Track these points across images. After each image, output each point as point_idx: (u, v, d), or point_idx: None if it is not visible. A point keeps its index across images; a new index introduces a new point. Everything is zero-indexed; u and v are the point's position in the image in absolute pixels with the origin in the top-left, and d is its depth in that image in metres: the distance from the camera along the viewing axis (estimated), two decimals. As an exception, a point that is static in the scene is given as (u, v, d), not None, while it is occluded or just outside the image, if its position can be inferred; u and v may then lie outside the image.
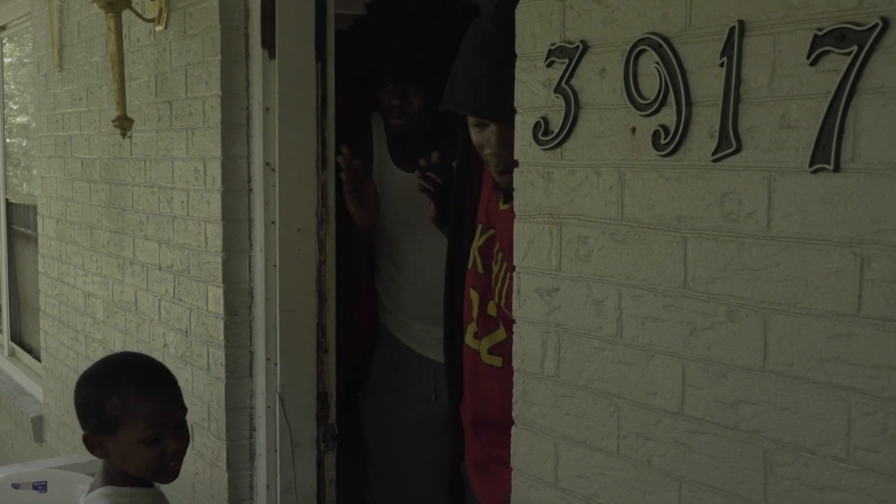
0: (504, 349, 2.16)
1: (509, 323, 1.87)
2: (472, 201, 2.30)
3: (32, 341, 5.13)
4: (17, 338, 5.52)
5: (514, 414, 1.77)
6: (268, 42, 2.69)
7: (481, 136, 2.06)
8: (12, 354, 5.52)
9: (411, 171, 2.84)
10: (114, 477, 2.08)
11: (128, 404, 1.99)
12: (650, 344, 1.49)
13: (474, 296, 2.24)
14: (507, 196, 2.12)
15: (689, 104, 1.40)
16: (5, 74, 5.58)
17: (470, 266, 2.26)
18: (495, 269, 2.16)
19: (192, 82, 2.85)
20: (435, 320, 2.58)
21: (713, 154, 1.37)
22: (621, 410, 1.55)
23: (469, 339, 2.29)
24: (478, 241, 2.23)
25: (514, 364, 1.75)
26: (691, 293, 1.42)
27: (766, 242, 1.31)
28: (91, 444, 2.04)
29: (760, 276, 1.32)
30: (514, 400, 1.76)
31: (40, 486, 3.42)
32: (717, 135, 1.36)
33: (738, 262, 1.35)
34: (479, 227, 2.23)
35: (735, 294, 1.36)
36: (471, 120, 2.09)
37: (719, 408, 1.39)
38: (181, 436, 2.07)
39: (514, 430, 1.77)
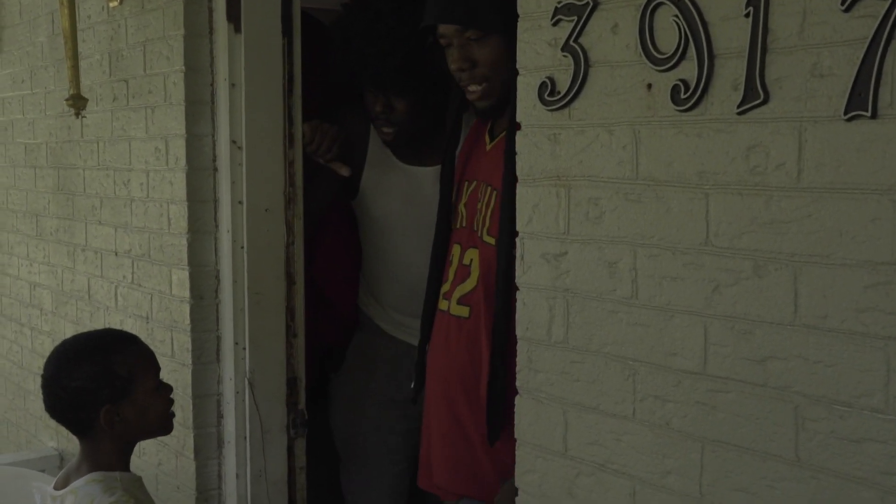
0: (471, 299, 2.18)
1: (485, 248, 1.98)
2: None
3: (-33, 338, 4.94)
4: (-50, 335, 5.31)
5: (518, 383, 1.73)
6: (233, 16, 2.60)
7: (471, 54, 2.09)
8: (-55, 353, 5.31)
9: (414, 165, 2.82)
10: (102, 463, 2.04)
11: (131, 357, 2.02)
12: (669, 304, 1.46)
13: (456, 250, 2.23)
14: (492, 134, 2.22)
15: (711, 57, 1.38)
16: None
17: (457, 226, 2.25)
18: (481, 203, 2.15)
19: (152, 59, 2.75)
20: (415, 314, 2.54)
21: (738, 107, 1.35)
22: (637, 374, 1.52)
23: (442, 304, 2.29)
24: (463, 200, 2.21)
25: (518, 332, 1.72)
26: (714, 250, 1.40)
27: (797, 194, 1.29)
28: (110, 416, 1.99)
29: (790, 229, 1.30)
30: (518, 369, 1.72)
31: (-12, 484, 3.28)
32: (742, 87, 1.34)
33: (766, 215, 1.33)
34: (465, 185, 2.21)
35: (762, 248, 1.34)
36: (460, 39, 2.11)
37: (746, 365, 1.37)
38: (168, 385, 2.13)
39: (518, 399, 1.73)
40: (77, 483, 2.04)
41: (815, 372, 1.29)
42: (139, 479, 2.12)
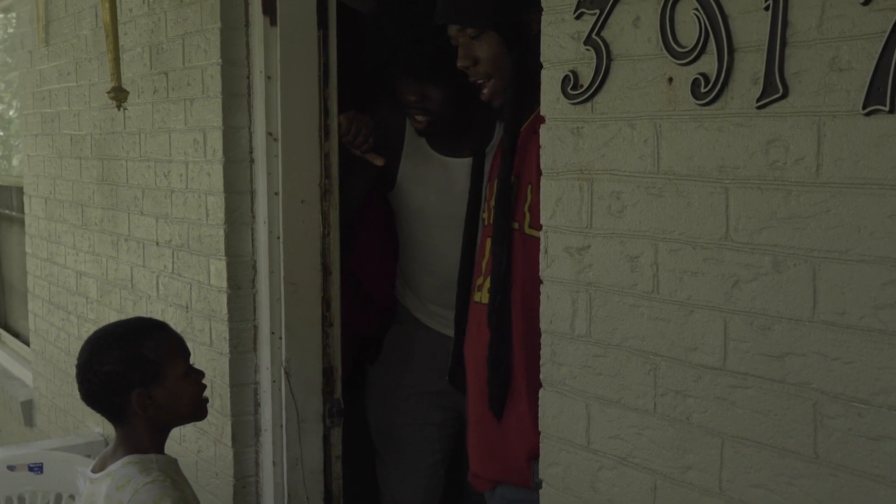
0: None
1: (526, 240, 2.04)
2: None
3: (18, 325, 5.05)
4: (3, 322, 5.44)
5: (541, 376, 1.73)
6: (269, 9, 2.63)
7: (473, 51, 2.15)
8: (-2, 339, 5.45)
9: (449, 156, 2.83)
10: (137, 446, 2.10)
11: (161, 343, 2.08)
12: (689, 299, 1.46)
13: (488, 244, 2.25)
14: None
15: (731, 51, 1.37)
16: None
17: (486, 223, 2.27)
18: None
19: (190, 52, 2.79)
20: (451, 305, 2.55)
21: (758, 101, 1.34)
22: (658, 368, 1.52)
23: (475, 296, 2.31)
24: (494, 196, 2.22)
25: (542, 325, 1.72)
26: (734, 245, 1.39)
27: (816, 189, 1.28)
28: (141, 400, 2.04)
29: (809, 224, 1.29)
30: (541, 362, 1.73)
31: (36, 468, 3.35)
32: (761, 81, 1.33)
33: (785, 210, 1.32)
34: (495, 182, 2.23)
35: (781, 244, 1.33)
36: (463, 38, 2.17)
37: (765, 361, 1.36)
38: (200, 370, 2.18)
39: (541, 392, 1.73)
40: (113, 466, 2.09)
41: (833, 369, 1.28)
42: (175, 460, 2.17)
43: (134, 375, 2.01)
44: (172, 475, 2.09)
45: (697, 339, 1.45)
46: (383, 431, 3.07)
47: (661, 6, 1.45)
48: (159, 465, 2.07)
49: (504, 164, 2.10)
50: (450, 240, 2.80)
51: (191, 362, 2.15)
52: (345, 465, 2.91)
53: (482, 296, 2.29)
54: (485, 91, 2.20)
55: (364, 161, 2.82)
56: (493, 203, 2.28)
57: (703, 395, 1.45)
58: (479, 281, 2.32)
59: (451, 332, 2.66)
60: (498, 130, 2.51)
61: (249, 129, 2.70)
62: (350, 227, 3.06)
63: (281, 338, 2.73)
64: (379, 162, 2.79)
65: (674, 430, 1.50)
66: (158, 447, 2.13)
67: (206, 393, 2.17)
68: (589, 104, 1.58)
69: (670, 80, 1.45)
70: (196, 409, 2.13)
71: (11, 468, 3.34)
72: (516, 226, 2.14)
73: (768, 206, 1.34)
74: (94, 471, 2.15)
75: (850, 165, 1.24)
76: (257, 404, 2.79)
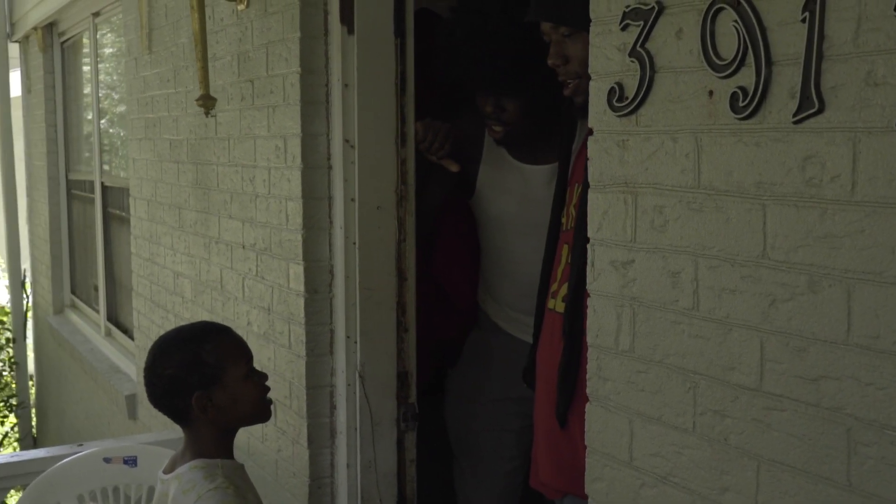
0: None
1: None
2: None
3: (126, 321, 5.25)
4: (113, 318, 5.66)
5: (588, 390, 1.72)
6: (346, 18, 2.67)
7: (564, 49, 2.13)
8: (108, 334, 5.66)
9: (528, 163, 2.83)
10: (203, 450, 2.14)
11: (220, 346, 2.11)
12: (727, 317, 1.42)
13: (565, 251, 2.24)
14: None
15: (768, 64, 1.33)
16: (107, 65, 5.69)
17: (566, 228, 2.26)
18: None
19: (273, 60, 2.85)
20: (531, 312, 2.55)
21: (794, 115, 1.30)
22: (697, 386, 1.49)
23: (549, 303, 2.30)
24: (574, 201, 2.21)
25: (589, 339, 1.71)
26: (771, 263, 1.35)
27: (851, 208, 1.24)
28: (202, 402, 2.08)
29: (844, 244, 1.25)
30: (588, 376, 1.71)
31: (130, 461, 3.47)
32: (798, 95, 1.29)
33: (821, 229, 1.28)
34: (575, 186, 2.21)
35: (817, 263, 1.29)
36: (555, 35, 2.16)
37: (800, 383, 1.32)
38: (262, 372, 2.20)
39: (588, 406, 1.72)
40: (181, 469, 2.15)
41: (866, 394, 1.23)
42: (241, 466, 2.22)
43: (193, 379, 2.06)
44: (237, 481, 2.13)
45: (735, 359, 1.42)
46: (461, 437, 3.09)
47: (703, 18, 1.42)
48: (224, 472, 2.11)
49: (560, 172, 2.09)
50: (529, 247, 2.79)
51: (254, 365, 2.20)
52: (423, 469, 2.94)
53: (556, 303, 2.28)
54: (569, 87, 2.18)
55: (442, 168, 2.84)
56: (571, 207, 2.26)
57: (741, 416, 1.41)
58: (554, 287, 2.31)
59: (530, 339, 2.66)
60: (580, 128, 2.49)
61: (327, 136, 2.75)
62: (431, 234, 3.08)
63: (356, 342, 2.77)
64: (454, 168, 2.81)
65: (712, 451, 1.47)
66: (225, 451, 2.17)
67: (271, 395, 2.21)
68: (633, 116, 1.56)
69: (710, 93, 1.42)
70: (258, 411, 2.17)
71: (107, 461, 3.47)
72: None
73: (804, 225, 1.30)
74: (165, 471, 2.21)
75: (885, 184, 1.19)
76: (333, 407, 2.84)
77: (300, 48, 2.70)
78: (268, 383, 2.21)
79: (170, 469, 2.20)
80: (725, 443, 1.44)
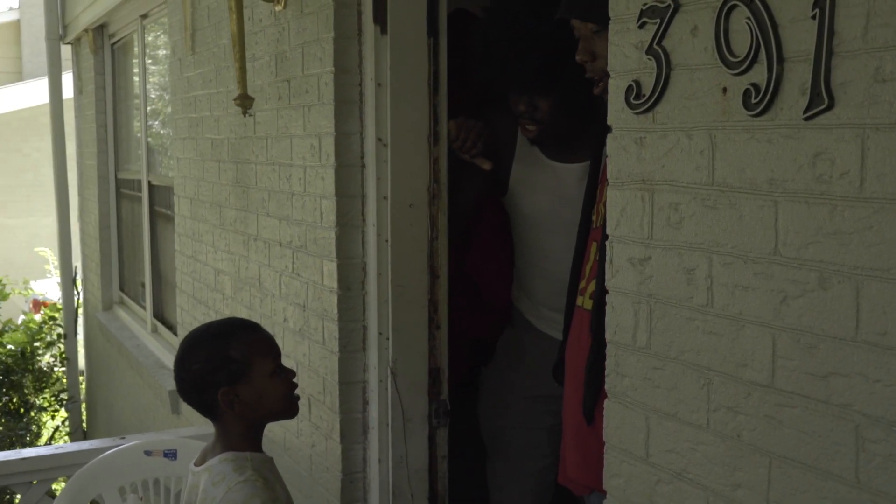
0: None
1: None
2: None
3: (171, 318, 5.33)
4: (159, 314, 5.75)
5: (606, 387, 1.73)
6: (379, 17, 2.70)
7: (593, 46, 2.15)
8: (154, 330, 5.75)
9: (561, 162, 2.84)
10: (233, 443, 2.17)
11: (247, 343, 2.14)
12: (741, 314, 1.43)
13: (593, 248, 2.25)
14: None
15: (780, 60, 1.33)
16: (161, 66, 5.78)
17: (595, 225, 2.27)
18: None
19: (308, 60, 2.89)
20: (562, 309, 2.55)
21: (805, 112, 1.30)
22: (711, 383, 1.49)
23: (578, 300, 2.32)
24: (603, 198, 2.22)
25: (607, 336, 1.72)
26: (782, 260, 1.35)
27: (859, 204, 1.24)
28: (228, 398, 2.12)
29: (853, 241, 1.25)
30: (606, 373, 1.72)
31: (170, 454, 3.54)
32: (808, 91, 1.29)
33: (830, 226, 1.28)
34: (606, 184, 2.22)
35: (827, 260, 1.29)
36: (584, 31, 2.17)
37: (810, 380, 1.32)
38: (290, 369, 2.22)
39: (606, 403, 1.73)
40: (211, 462, 2.19)
41: (874, 391, 1.23)
42: (270, 459, 2.25)
43: (220, 374, 2.10)
44: (266, 474, 2.17)
45: (748, 355, 1.42)
46: (493, 433, 3.10)
47: (717, 15, 1.43)
48: (253, 464, 2.16)
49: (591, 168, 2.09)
50: (562, 244, 2.80)
51: (287, 361, 2.24)
52: (455, 465, 2.96)
53: (584, 300, 2.29)
54: (599, 86, 2.19)
55: (475, 166, 2.86)
56: (601, 205, 2.27)
57: (753, 413, 1.42)
58: (582, 285, 2.32)
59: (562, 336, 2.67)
60: None
61: (361, 134, 2.78)
62: (465, 232, 3.10)
63: (388, 338, 2.80)
64: (487, 166, 2.82)
65: (725, 447, 1.47)
66: (254, 445, 2.21)
67: (306, 390, 2.25)
68: (650, 114, 1.57)
69: (724, 89, 1.43)
70: (285, 407, 2.20)
71: (148, 453, 3.54)
72: None
73: (815, 221, 1.30)
74: (197, 464, 2.26)
75: (893, 181, 1.19)
76: (365, 402, 2.87)
77: (334, 48, 2.73)
78: (303, 379, 2.25)
79: (201, 461, 2.25)
80: (738, 439, 1.44)
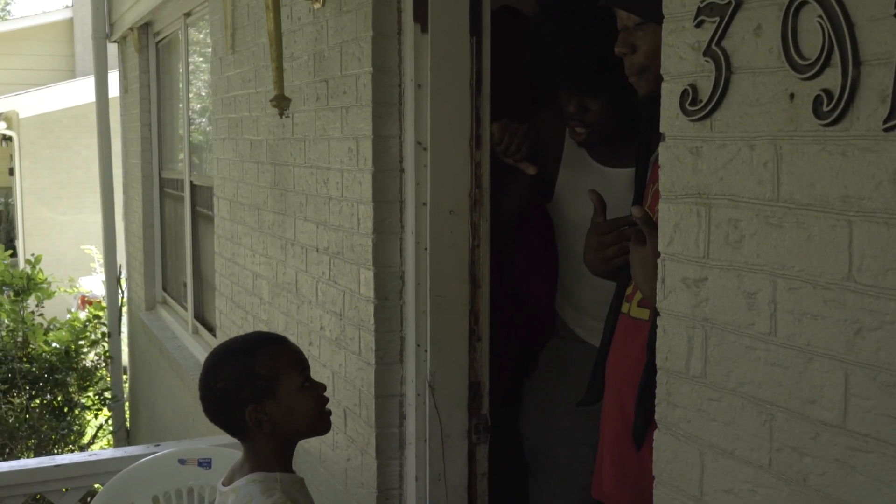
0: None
1: None
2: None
3: (212, 319, 5.26)
4: (200, 316, 5.69)
5: (657, 416, 1.59)
6: (420, 16, 2.58)
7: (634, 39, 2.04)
8: (195, 332, 5.69)
9: (609, 166, 2.73)
10: (261, 463, 2.08)
11: (274, 358, 2.05)
12: (808, 344, 1.28)
13: None
14: None
15: (856, 64, 1.19)
16: (207, 64, 5.71)
17: None
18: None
19: (347, 60, 2.78)
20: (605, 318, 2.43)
21: (885, 122, 1.15)
22: (774, 419, 1.35)
23: (623, 306, 2.19)
24: (647, 202, 2.10)
25: (658, 361, 1.58)
26: (857, 286, 1.21)
27: (948, 228, 1.09)
28: (256, 416, 2.03)
29: (940, 269, 1.10)
30: (657, 401, 1.58)
31: (205, 463, 3.46)
32: (889, 99, 1.14)
33: (914, 250, 1.13)
34: (650, 186, 2.11)
35: (909, 289, 1.14)
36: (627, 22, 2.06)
37: (888, 423, 1.18)
38: (319, 383, 2.13)
39: (656, 434, 1.59)
40: (239, 482, 2.09)
41: (964, 440, 1.09)
42: (300, 480, 2.15)
43: (246, 392, 2.00)
44: (295, 496, 2.07)
45: (816, 391, 1.28)
46: (536, 448, 2.98)
47: (784, 13, 1.28)
48: (282, 486, 2.06)
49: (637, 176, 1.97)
50: None
51: (318, 374, 2.13)
52: (496, 481, 2.84)
53: (631, 307, 2.16)
54: (637, 82, 2.09)
55: (519, 171, 2.74)
56: (646, 208, 2.14)
57: (822, 456, 1.27)
58: (629, 290, 2.19)
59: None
60: None
61: (399, 137, 2.66)
62: (509, 237, 2.98)
63: (426, 350, 2.68)
64: (531, 171, 2.70)
65: (789, 491, 1.33)
66: (284, 464, 2.11)
67: (342, 403, 2.14)
68: (708, 121, 1.43)
69: (792, 96, 1.28)
70: (315, 424, 2.10)
71: (182, 462, 3.47)
72: None
73: (895, 245, 1.15)
74: (224, 483, 2.16)
75: None
76: (402, 417, 2.76)
77: (372, 47, 2.61)
78: (339, 390, 2.14)
79: (228, 481, 2.15)
80: (804, 483, 1.30)
